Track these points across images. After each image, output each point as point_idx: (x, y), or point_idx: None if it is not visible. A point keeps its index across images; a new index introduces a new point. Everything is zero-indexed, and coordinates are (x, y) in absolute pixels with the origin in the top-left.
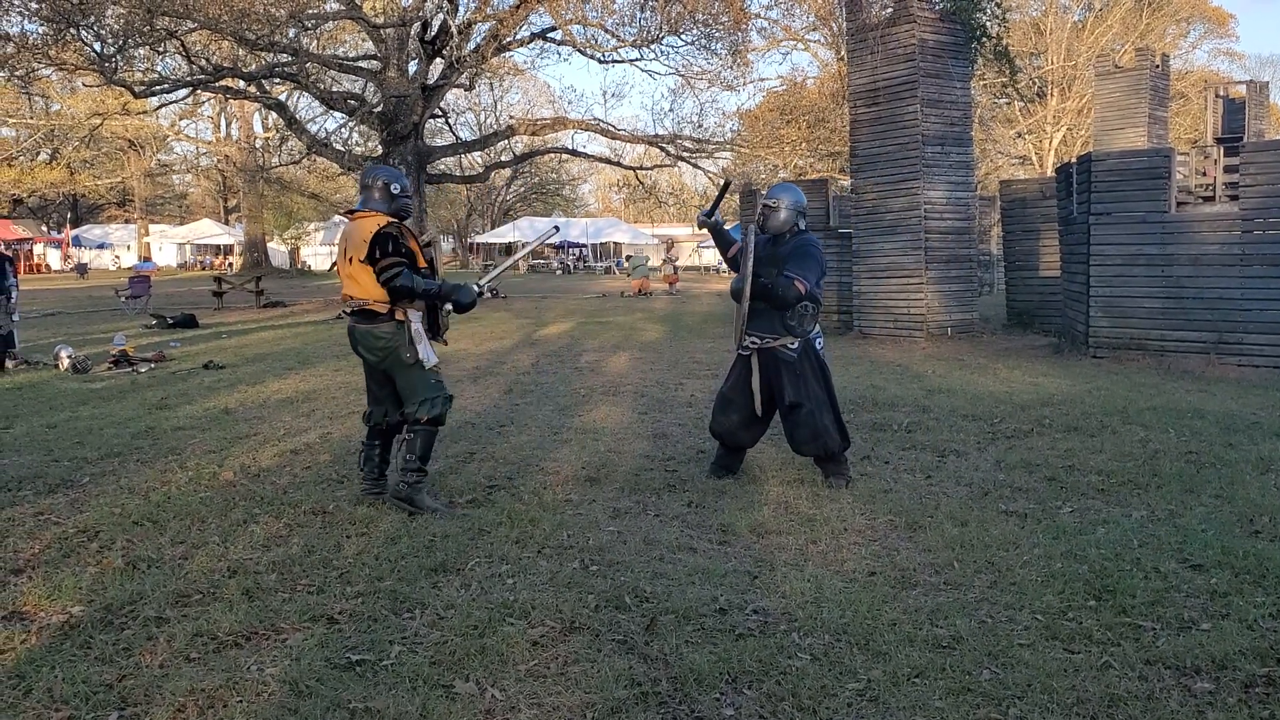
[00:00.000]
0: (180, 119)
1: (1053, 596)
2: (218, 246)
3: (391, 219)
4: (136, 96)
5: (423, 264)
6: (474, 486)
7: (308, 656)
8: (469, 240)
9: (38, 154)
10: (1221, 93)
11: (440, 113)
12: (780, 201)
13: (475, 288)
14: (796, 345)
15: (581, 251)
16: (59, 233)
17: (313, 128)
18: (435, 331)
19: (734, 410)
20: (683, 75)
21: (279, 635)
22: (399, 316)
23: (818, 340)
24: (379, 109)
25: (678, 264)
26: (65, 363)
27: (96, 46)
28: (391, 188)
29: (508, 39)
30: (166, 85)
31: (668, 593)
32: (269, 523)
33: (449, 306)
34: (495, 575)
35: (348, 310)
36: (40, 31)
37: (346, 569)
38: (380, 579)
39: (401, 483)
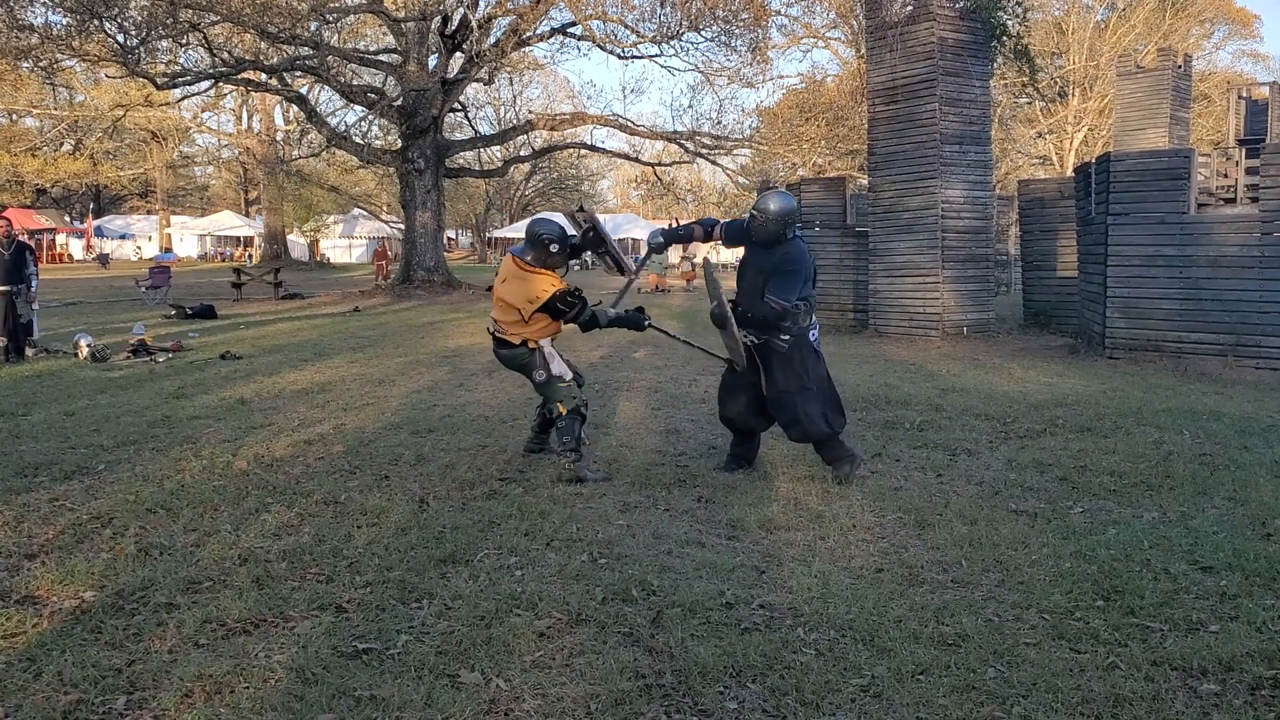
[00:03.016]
0: (202, 111)
1: (1061, 596)
2: (238, 238)
3: (553, 279)
4: (159, 88)
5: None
6: (485, 478)
7: (315, 644)
8: (487, 235)
9: (61, 145)
10: (1244, 94)
11: (459, 107)
12: (767, 211)
13: (645, 320)
14: (788, 337)
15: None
16: (82, 223)
17: (333, 121)
18: (623, 269)
19: (740, 392)
20: (702, 72)
21: (287, 623)
22: (531, 345)
23: (812, 332)
24: (399, 103)
25: (695, 261)
26: (84, 351)
27: (120, 38)
28: (551, 247)
29: (527, 34)
30: (189, 77)
31: (675, 586)
32: (281, 512)
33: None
34: (503, 567)
35: (492, 330)
36: (64, 23)
37: (356, 559)
38: (389, 569)
39: (565, 465)
